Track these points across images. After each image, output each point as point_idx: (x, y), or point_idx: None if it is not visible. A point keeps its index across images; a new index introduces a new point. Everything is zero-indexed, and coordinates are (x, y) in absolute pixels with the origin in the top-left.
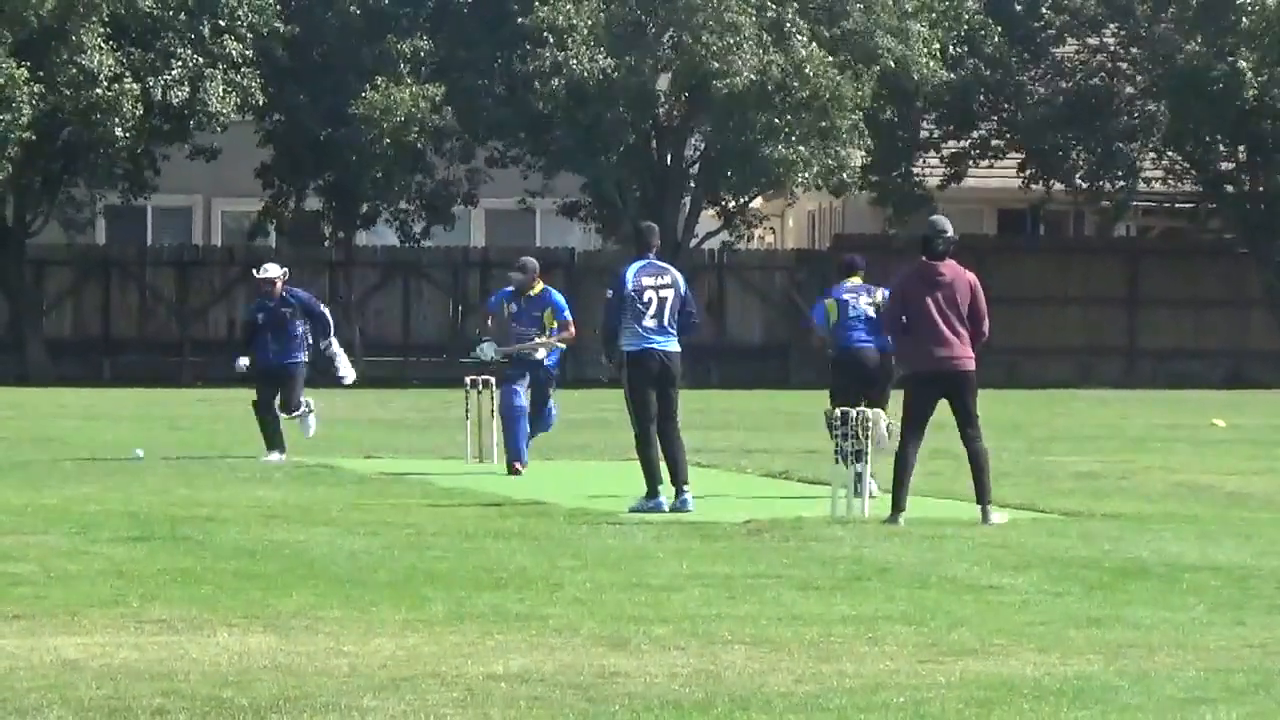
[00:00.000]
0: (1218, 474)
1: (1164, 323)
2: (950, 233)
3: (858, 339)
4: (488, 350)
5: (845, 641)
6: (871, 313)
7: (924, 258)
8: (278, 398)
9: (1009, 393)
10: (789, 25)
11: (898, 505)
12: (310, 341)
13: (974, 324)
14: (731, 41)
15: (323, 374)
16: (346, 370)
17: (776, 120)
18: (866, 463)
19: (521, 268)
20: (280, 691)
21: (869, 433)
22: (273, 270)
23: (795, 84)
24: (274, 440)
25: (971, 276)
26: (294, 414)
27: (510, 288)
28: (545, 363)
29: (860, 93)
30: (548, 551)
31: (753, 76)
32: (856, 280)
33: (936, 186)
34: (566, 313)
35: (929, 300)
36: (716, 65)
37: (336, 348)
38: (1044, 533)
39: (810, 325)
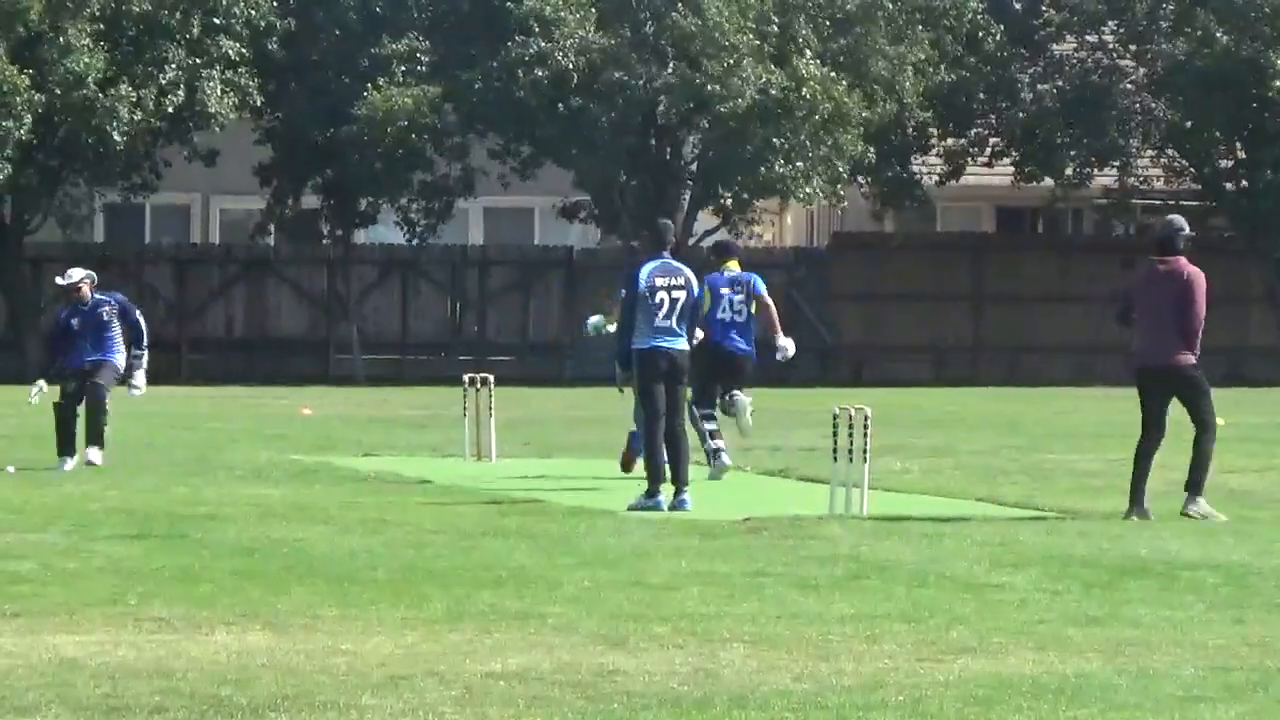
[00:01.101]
0: (1217, 472)
1: None
2: (1187, 230)
3: (725, 337)
4: (596, 322)
5: (844, 640)
6: (743, 313)
7: (1155, 256)
8: (92, 383)
9: (1009, 390)
10: (800, 40)
11: (1135, 500)
12: (121, 346)
13: (1185, 318)
14: (730, 63)
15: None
16: (141, 382)
17: (777, 140)
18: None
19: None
20: (279, 690)
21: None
22: (76, 275)
23: (796, 100)
24: (68, 445)
25: (1192, 272)
26: (100, 400)
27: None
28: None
29: (867, 113)
30: (546, 550)
31: (755, 95)
32: (734, 267)
33: (936, 183)
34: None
35: (1150, 298)
36: (717, 88)
37: (144, 360)
38: (1043, 531)
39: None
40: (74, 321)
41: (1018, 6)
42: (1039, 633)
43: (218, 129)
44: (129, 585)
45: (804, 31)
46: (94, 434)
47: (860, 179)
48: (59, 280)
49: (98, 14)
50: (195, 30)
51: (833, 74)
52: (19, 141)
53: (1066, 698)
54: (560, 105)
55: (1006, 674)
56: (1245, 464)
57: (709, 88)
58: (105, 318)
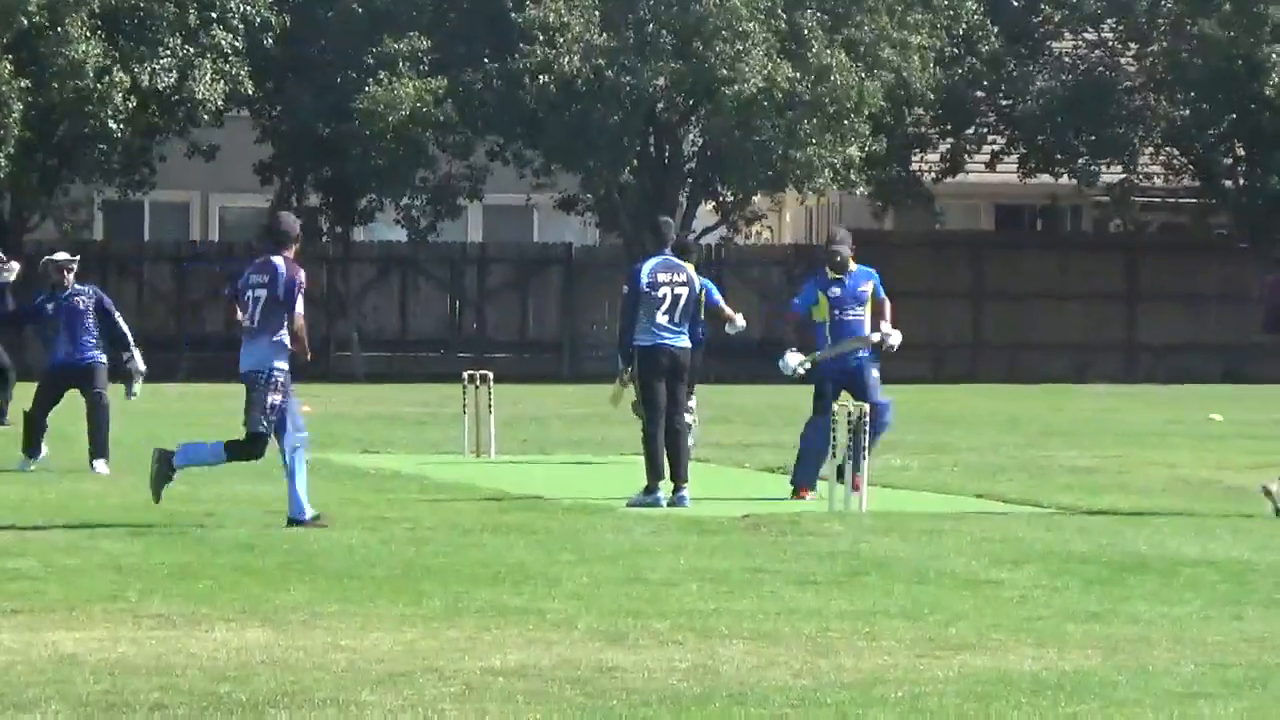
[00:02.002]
0: (1216, 469)
1: (1163, 318)
2: None
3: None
4: (792, 363)
5: (843, 636)
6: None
7: None
8: (94, 393)
9: (1008, 387)
10: (807, 32)
11: None
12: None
13: None
14: (741, 48)
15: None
16: (139, 388)
17: (797, 126)
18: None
19: (839, 240)
20: (278, 686)
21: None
22: (62, 256)
23: (812, 87)
24: (36, 444)
25: None
26: (107, 412)
27: (820, 273)
28: (863, 353)
29: (878, 101)
30: (545, 546)
31: (760, 84)
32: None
33: (933, 180)
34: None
35: None
36: (726, 72)
37: (139, 362)
38: (1042, 527)
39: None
40: (49, 306)
41: (1016, 4)
42: (1038, 629)
43: (206, 116)
44: (128, 582)
45: (811, 24)
46: (102, 446)
47: (858, 176)
48: (54, 259)
49: (96, 10)
50: (192, 22)
51: (850, 62)
52: (19, 140)
53: (1066, 694)
54: (566, 111)
55: (1006, 670)
56: (1243, 461)
57: (719, 71)
58: (81, 306)
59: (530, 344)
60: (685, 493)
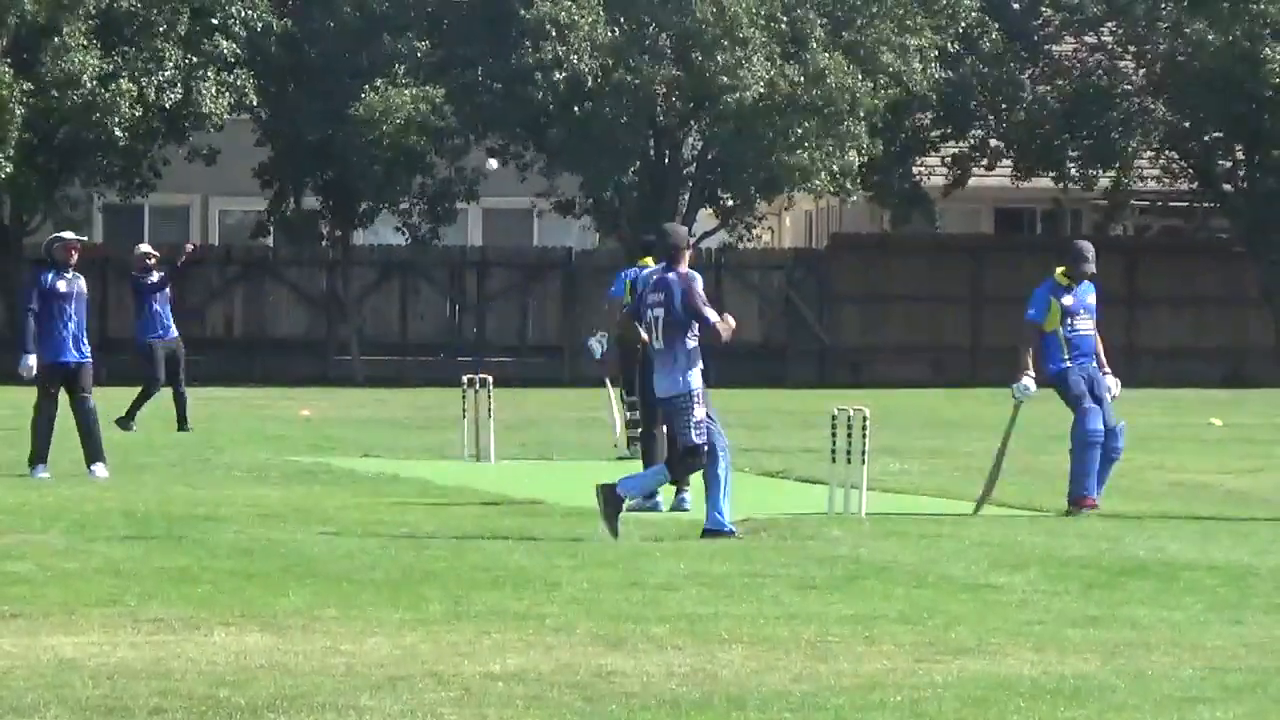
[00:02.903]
0: (1215, 473)
1: (1162, 322)
2: None
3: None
4: (1033, 388)
5: (842, 640)
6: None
7: None
8: (80, 397)
9: (1007, 391)
10: (808, 31)
11: None
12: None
13: None
14: (741, 55)
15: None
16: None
17: (794, 128)
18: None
19: (1089, 255)
20: (277, 691)
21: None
22: (72, 235)
23: (811, 92)
24: (46, 452)
25: None
26: (96, 417)
27: (1050, 281)
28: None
29: (874, 101)
30: (545, 551)
31: (761, 90)
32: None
33: (941, 190)
34: None
35: None
36: (725, 80)
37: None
38: (1041, 532)
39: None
40: (59, 284)
41: (1016, 7)
42: (1037, 633)
43: (211, 129)
44: (127, 586)
45: (815, 30)
46: (97, 451)
47: (853, 185)
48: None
49: (93, 12)
50: (184, 27)
51: (848, 65)
52: (18, 141)
53: (1065, 698)
54: (574, 110)
55: (1005, 675)
56: (1243, 465)
57: (720, 79)
58: (84, 290)
59: (530, 348)
60: (687, 495)
